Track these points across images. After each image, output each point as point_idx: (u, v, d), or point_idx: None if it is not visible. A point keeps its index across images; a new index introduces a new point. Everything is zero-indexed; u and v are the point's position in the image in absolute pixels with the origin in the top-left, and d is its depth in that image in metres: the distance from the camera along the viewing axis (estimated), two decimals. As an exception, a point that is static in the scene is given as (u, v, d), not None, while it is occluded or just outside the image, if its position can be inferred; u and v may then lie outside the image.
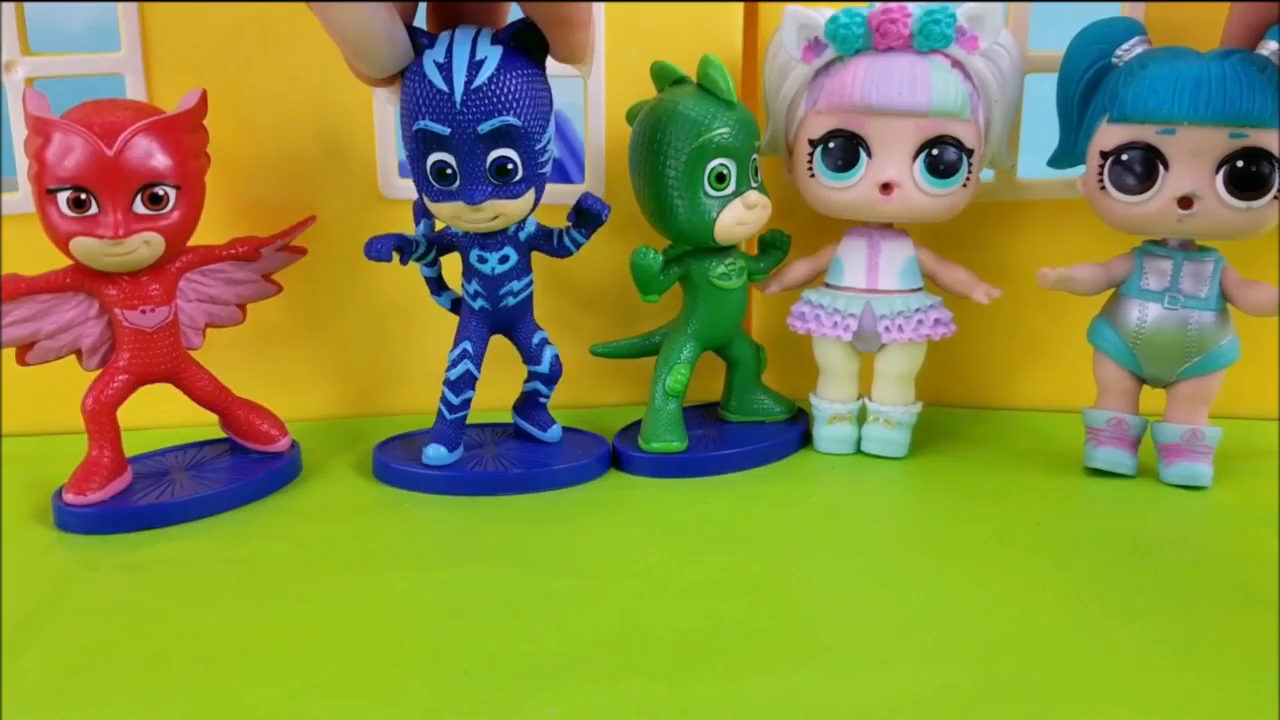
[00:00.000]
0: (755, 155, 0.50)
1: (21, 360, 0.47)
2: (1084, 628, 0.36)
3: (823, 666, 0.34)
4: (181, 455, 0.52)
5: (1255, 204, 0.45)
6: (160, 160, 0.44)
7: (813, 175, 0.49)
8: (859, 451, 0.52)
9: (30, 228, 0.47)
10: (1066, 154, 0.50)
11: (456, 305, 0.52)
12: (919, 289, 0.51)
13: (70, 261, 0.46)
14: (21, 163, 0.50)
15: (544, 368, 0.51)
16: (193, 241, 0.48)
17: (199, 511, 0.46)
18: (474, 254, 0.49)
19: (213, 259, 0.49)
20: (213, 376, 0.50)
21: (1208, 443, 0.48)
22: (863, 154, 0.48)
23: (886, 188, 0.48)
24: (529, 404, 0.53)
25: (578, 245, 0.50)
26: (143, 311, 0.47)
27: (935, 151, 0.47)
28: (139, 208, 0.44)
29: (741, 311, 0.53)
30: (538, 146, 0.45)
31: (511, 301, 0.50)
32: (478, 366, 0.50)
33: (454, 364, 0.50)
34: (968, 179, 0.48)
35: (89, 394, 0.47)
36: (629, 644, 0.36)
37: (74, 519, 0.45)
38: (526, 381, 0.52)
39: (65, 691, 0.33)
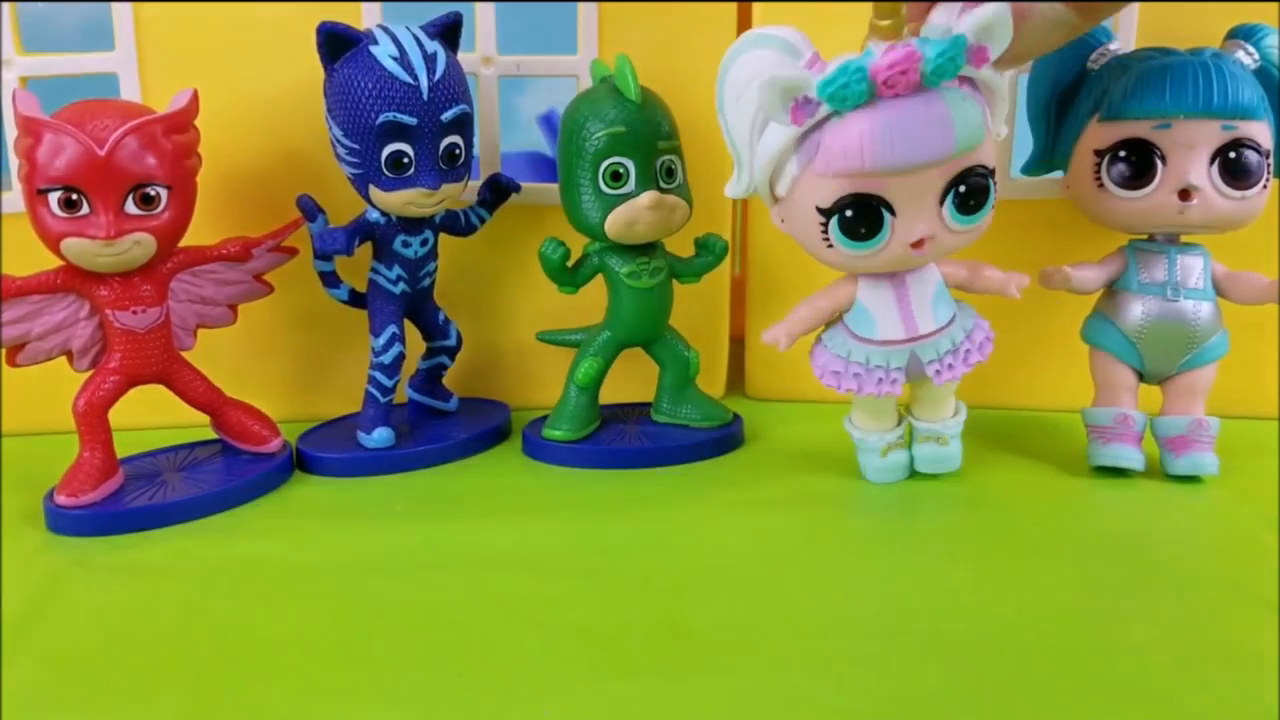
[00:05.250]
0: (671, 155, 0.49)
1: (11, 361, 0.47)
2: (1083, 627, 0.36)
3: (818, 666, 0.34)
4: (173, 456, 0.51)
5: (1248, 193, 0.46)
6: (151, 160, 0.44)
7: (830, 245, 0.43)
8: (914, 474, 0.49)
9: (22, 227, 0.46)
10: (1043, 159, 0.51)
11: (354, 297, 0.53)
12: (955, 313, 0.46)
13: (61, 262, 0.45)
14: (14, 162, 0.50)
15: (453, 341, 0.55)
16: (184, 242, 0.47)
17: (191, 513, 0.46)
18: (398, 240, 0.51)
19: (204, 259, 0.49)
20: (204, 377, 0.50)
21: (1211, 432, 0.48)
22: (886, 215, 0.42)
23: (919, 244, 0.42)
24: (431, 380, 0.56)
25: (483, 221, 0.55)
26: (134, 312, 0.46)
27: (963, 189, 0.41)
28: (130, 208, 0.44)
29: (660, 312, 0.53)
30: (472, 133, 0.50)
31: (428, 282, 0.53)
32: (404, 349, 0.52)
33: (386, 348, 0.52)
34: (994, 200, 0.43)
35: (80, 395, 0.47)
36: (624, 645, 0.35)
37: (65, 520, 0.45)
38: (427, 358, 0.56)
39: (58, 693, 0.33)
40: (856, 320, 0.46)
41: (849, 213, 0.41)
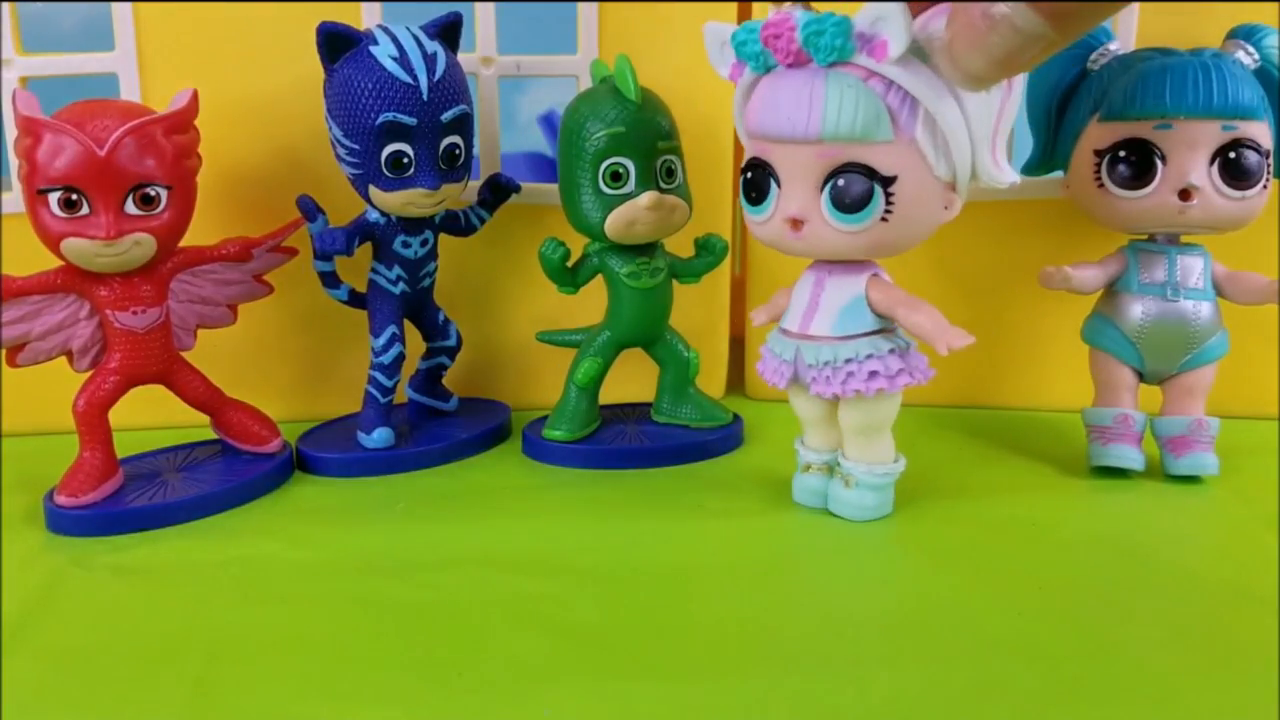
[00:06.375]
0: (671, 155, 0.50)
1: (11, 362, 0.47)
2: (1082, 627, 0.36)
3: (817, 666, 0.34)
4: (173, 456, 0.51)
5: (1248, 194, 0.46)
6: (151, 161, 0.44)
7: (744, 208, 0.44)
8: (826, 509, 0.46)
9: (22, 227, 0.46)
10: (1044, 160, 0.51)
11: (354, 297, 0.53)
12: (863, 334, 0.43)
13: (61, 262, 0.45)
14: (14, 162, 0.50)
15: (453, 341, 0.55)
16: (184, 242, 0.48)
17: (191, 513, 0.46)
18: (398, 240, 0.51)
19: (204, 259, 0.49)
20: (204, 377, 0.50)
21: (1211, 433, 0.48)
22: (773, 185, 0.42)
23: (794, 224, 0.41)
24: (431, 380, 0.56)
25: (483, 221, 0.55)
26: (134, 312, 0.47)
27: (841, 182, 0.40)
28: (130, 208, 0.44)
29: (660, 312, 0.53)
30: (472, 134, 0.50)
31: (428, 282, 0.53)
32: (404, 349, 0.52)
33: (386, 348, 0.52)
34: (888, 212, 0.40)
35: (80, 395, 0.47)
36: (624, 645, 0.35)
37: (65, 521, 0.45)
38: (427, 359, 0.56)
39: (58, 693, 0.33)
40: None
41: (748, 174, 0.42)
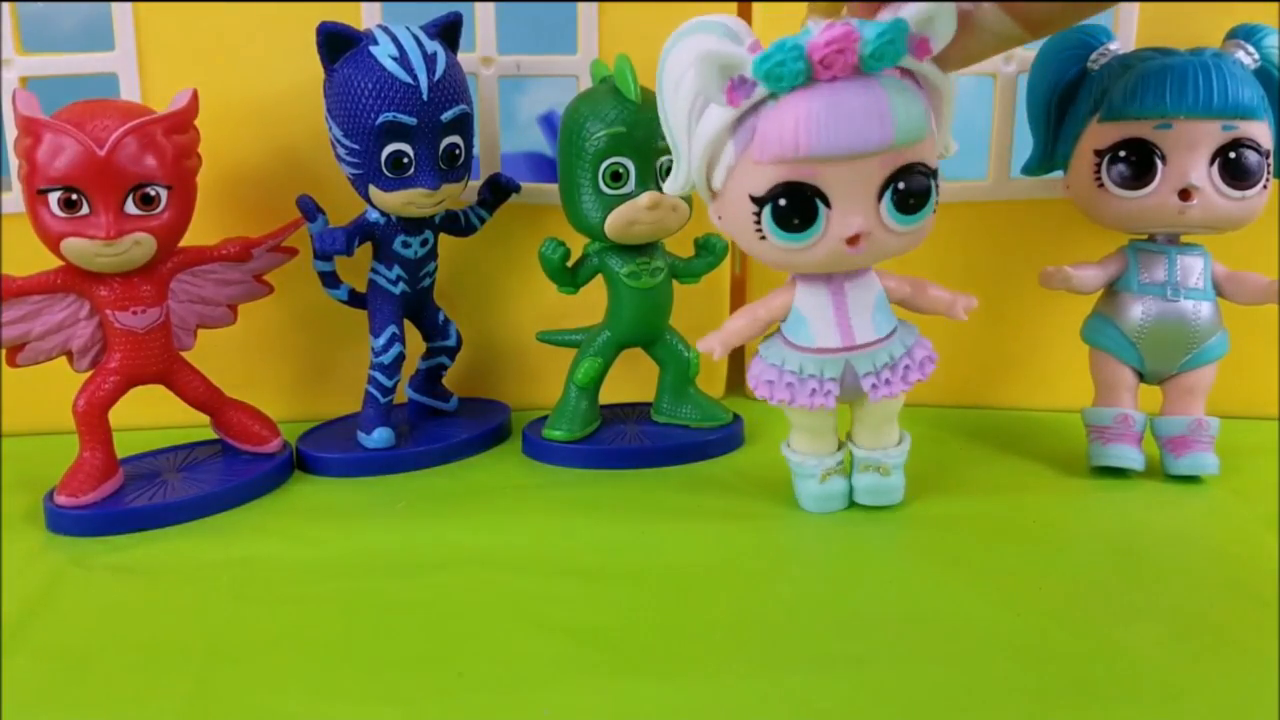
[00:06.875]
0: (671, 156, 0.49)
1: (11, 362, 0.47)
2: (1082, 627, 0.36)
3: (818, 666, 0.34)
4: (173, 456, 0.51)
5: (1249, 193, 0.46)
6: (151, 160, 0.44)
7: (763, 238, 0.40)
8: (852, 504, 0.46)
9: (22, 227, 0.46)
10: (1044, 160, 0.51)
11: (354, 297, 0.53)
12: (896, 327, 0.44)
13: (61, 262, 0.45)
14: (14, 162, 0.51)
15: (452, 341, 0.55)
16: (184, 242, 0.48)
17: (191, 513, 0.46)
18: (398, 240, 0.51)
19: (204, 259, 0.49)
20: (204, 377, 0.50)
21: (1211, 433, 0.48)
22: (820, 206, 0.39)
23: (854, 240, 0.40)
24: (431, 380, 0.56)
25: (483, 221, 0.55)
26: (134, 312, 0.47)
27: (902, 185, 0.39)
28: (130, 208, 0.44)
29: (660, 312, 0.53)
30: (472, 133, 0.50)
31: (428, 282, 0.53)
32: (404, 349, 0.52)
33: (386, 348, 0.52)
34: (934, 204, 0.41)
35: (80, 395, 0.47)
36: (624, 645, 0.35)
37: (65, 520, 0.45)
38: (427, 359, 0.56)
39: (58, 693, 0.33)
40: (793, 328, 0.44)
41: (782, 201, 0.39)
